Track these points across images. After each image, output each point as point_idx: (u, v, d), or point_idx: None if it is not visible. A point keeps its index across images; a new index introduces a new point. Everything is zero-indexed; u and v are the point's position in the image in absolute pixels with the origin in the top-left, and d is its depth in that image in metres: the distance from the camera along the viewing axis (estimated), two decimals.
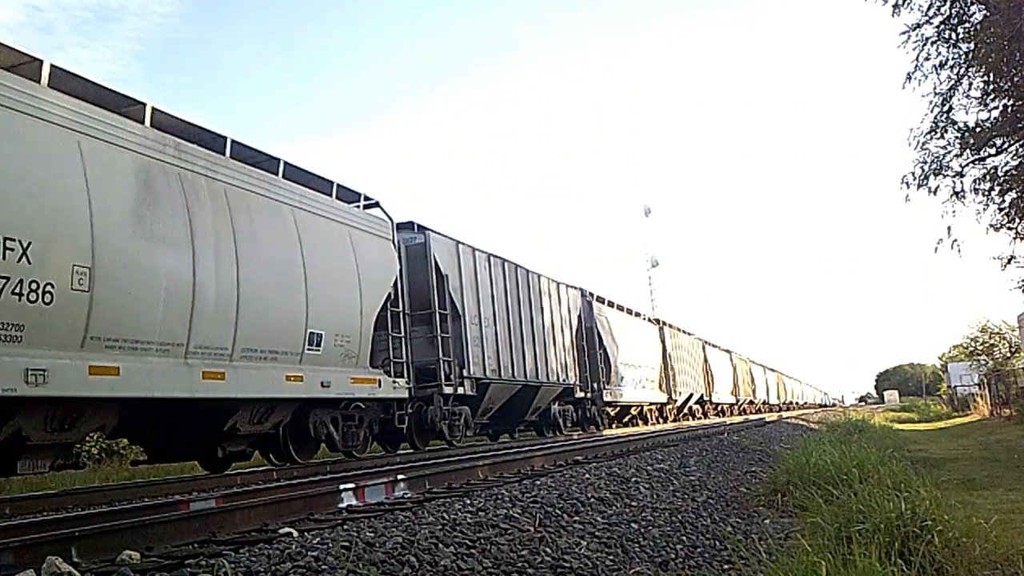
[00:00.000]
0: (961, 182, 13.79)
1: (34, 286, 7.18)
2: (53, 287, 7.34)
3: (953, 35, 13.12)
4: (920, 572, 4.09)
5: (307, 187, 11.62)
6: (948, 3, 12.96)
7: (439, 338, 14.52)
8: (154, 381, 8.39)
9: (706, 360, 40.18)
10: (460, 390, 15.04)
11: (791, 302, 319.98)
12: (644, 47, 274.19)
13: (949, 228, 13.56)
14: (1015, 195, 13.64)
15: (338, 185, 12.45)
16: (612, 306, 26.60)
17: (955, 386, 51.03)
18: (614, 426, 25.76)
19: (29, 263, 7.13)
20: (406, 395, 13.22)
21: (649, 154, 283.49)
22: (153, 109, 9.05)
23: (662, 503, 6.64)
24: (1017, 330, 34.97)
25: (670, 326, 33.90)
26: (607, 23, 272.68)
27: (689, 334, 37.95)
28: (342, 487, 6.45)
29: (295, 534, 4.59)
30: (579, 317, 22.76)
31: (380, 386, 12.44)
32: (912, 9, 13.18)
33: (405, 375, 13.28)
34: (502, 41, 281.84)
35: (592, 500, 6.09)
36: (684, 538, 5.56)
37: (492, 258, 17.38)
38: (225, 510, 5.35)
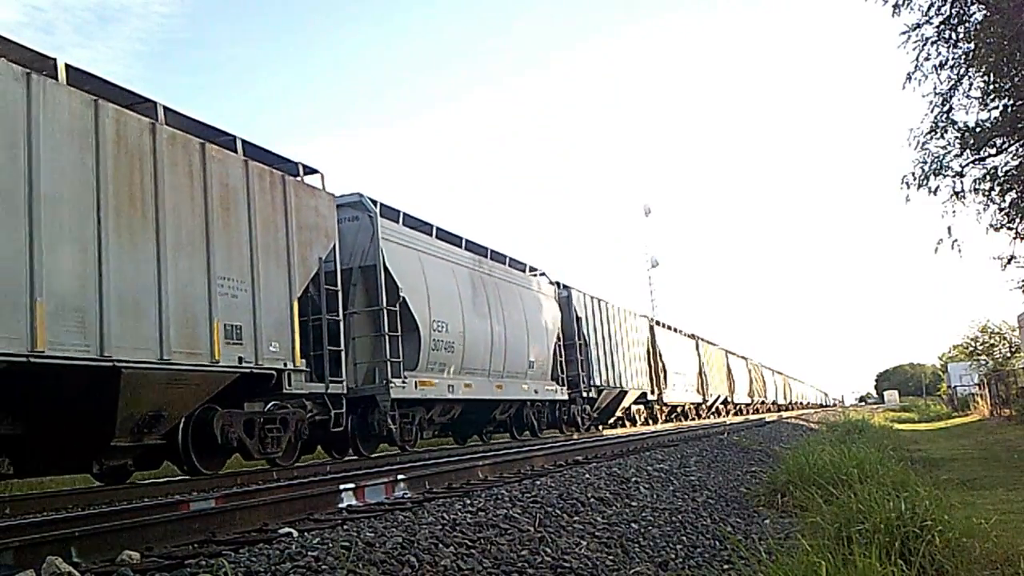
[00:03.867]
0: (961, 182, 13.72)
1: (446, 344, 14.53)
2: (453, 344, 14.70)
3: (953, 35, 13.07)
4: (920, 572, 4.10)
5: (517, 269, 18.96)
6: (948, 3, 12.91)
7: (578, 360, 21.88)
8: (481, 390, 15.75)
9: (728, 367, 47.50)
10: (589, 394, 22.39)
11: (791, 302, 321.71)
12: (645, 47, 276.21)
13: (949, 228, 13.53)
14: (1015, 195, 13.63)
15: (529, 266, 19.84)
16: (665, 327, 34.06)
17: (955, 386, 52.06)
18: (663, 421, 33.09)
19: (447, 332, 14.48)
20: (567, 398, 20.58)
21: (649, 154, 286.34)
22: (465, 240, 16.38)
23: (662, 503, 6.65)
24: (1017, 330, 35.46)
25: (702, 339, 41.17)
26: (608, 23, 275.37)
27: (715, 344, 45.22)
28: (342, 487, 6.49)
29: (295, 534, 4.62)
30: (647, 338, 30.17)
31: (557, 392, 19.80)
32: (912, 9, 13.18)
33: (565, 385, 20.64)
34: (502, 41, 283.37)
35: (592, 500, 6.11)
36: (684, 538, 5.59)
37: (600, 300, 24.74)
38: (225, 510, 5.40)
